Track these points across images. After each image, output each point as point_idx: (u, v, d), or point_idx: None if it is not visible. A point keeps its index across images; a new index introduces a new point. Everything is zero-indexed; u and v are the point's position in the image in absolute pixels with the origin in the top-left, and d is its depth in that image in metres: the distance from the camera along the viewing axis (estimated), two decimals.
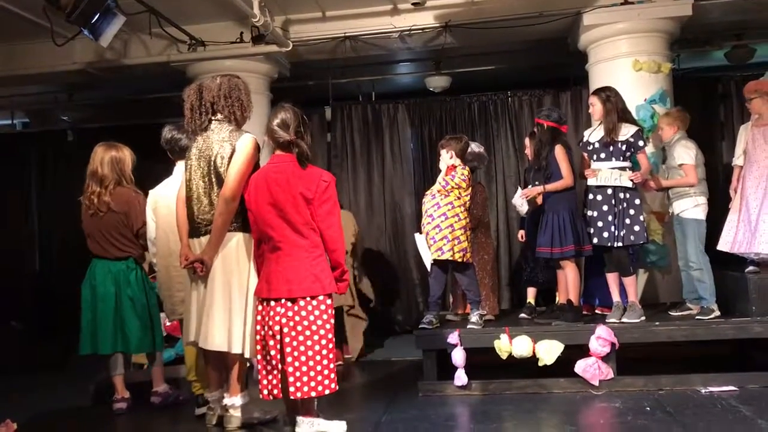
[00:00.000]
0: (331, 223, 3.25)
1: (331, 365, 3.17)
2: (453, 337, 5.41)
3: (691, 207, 5.65)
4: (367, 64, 8.26)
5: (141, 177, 4.51)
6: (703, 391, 5.13)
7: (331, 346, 3.19)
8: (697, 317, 5.43)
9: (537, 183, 5.63)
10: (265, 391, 3.21)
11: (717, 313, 5.44)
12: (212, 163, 3.38)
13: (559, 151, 5.55)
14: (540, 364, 5.29)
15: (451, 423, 4.76)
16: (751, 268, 5.62)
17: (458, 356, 5.38)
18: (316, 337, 3.14)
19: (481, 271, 6.12)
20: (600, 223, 5.42)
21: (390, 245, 8.52)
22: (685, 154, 5.67)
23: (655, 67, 6.68)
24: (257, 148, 3.41)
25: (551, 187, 5.50)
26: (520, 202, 5.75)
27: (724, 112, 8.19)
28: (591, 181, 5.49)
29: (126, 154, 4.28)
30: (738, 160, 5.75)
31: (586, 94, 7.30)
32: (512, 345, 5.35)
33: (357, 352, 6.92)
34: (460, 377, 5.38)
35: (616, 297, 5.55)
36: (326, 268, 3.24)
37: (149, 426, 3.72)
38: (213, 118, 3.47)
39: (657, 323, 5.41)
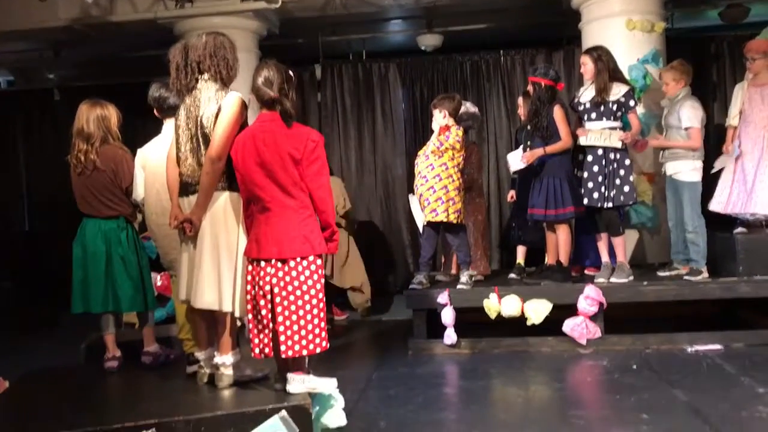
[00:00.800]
0: (321, 184, 3.23)
1: (322, 324, 3.19)
2: (443, 297, 5.45)
3: (689, 170, 5.50)
4: (358, 21, 8.13)
5: (129, 136, 4.46)
6: (689, 349, 5.22)
7: (321, 305, 3.20)
8: (685, 277, 5.47)
9: (530, 144, 5.58)
10: (257, 350, 3.23)
11: (706, 275, 5.46)
12: (199, 122, 3.34)
13: (557, 111, 5.47)
14: (528, 323, 5.35)
15: (440, 380, 4.83)
16: (739, 229, 5.65)
17: (448, 315, 5.42)
18: (306, 297, 3.15)
19: (476, 232, 6.13)
20: (590, 184, 5.41)
21: (381, 206, 8.51)
22: (693, 116, 5.46)
23: (648, 27, 6.61)
24: (244, 107, 3.36)
25: (551, 149, 5.42)
26: (515, 161, 5.69)
27: (717, 73, 8.15)
28: (581, 141, 5.45)
29: (112, 112, 4.21)
30: (733, 120, 5.67)
31: (579, 53, 7.21)
32: (501, 304, 5.40)
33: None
34: (450, 336, 5.43)
35: (605, 257, 5.58)
36: (316, 228, 3.23)
37: (140, 384, 3.75)
38: (200, 77, 3.42)
39: (645, 283, 5.46)
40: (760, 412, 3.75)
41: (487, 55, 8.40)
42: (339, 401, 3.44)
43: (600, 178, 5.39)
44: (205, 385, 3.44)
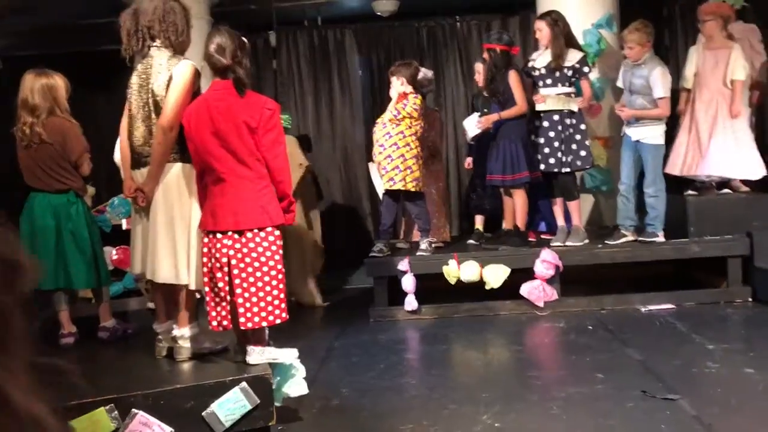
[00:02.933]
0: (277, 153, 3.17)
1: (281, 295, 3.17)
2: (403, 264, 5.48)
3: (656, 134, 5.41)
4: None
5: (78, 108, 4.33)
6: (642, 309, 5.36)
7: (281, 276, 3.17)
8: (639, 239, 5.57)
9: (487, 110, 5.60)
10: (215, 323, 3.20)
11: (662, 239, 5.51)
12: (150, 91, 3.26)
13: (513, 76, 5.47)
14: (487, 287, 5.42)
15: (401, 346, 4.88)
16: (689, 191, 5.77)
17: (408, 282, 5.46)
18: (265, 269, 3.12)
19: (439, 199, 6.16)
20: (547, 150, 5.46)
21: (340, 175, 8.47)
22: (663, 86, 5.30)
23: None
24: (196, 75, 3.28)
25: (506, 114, 5.45)
26: (471, 127, 5.71)
27: (669, 36, 8.24)
28: (540, 107, 5.48)
29: (59, 81, 4.05)
30: (687, 83, 5.70)
31: (534, 18, 7.22)
32: (460, 270, 5.45)
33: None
34: (411, 302, 5.48)
35: (560, 221, 5.66)
36: (273, 199, 3.18)
37: (97, 360, 3.70)
38: (152, 44, 3.32)
39: (600, 246, 5.57)
40: (710, 368, 3.88)
41: (443, 21, 8.35)
42: (300, 371, 3.44)
43: (556, 144, 5.43)
44: (163, 358, 3.41)
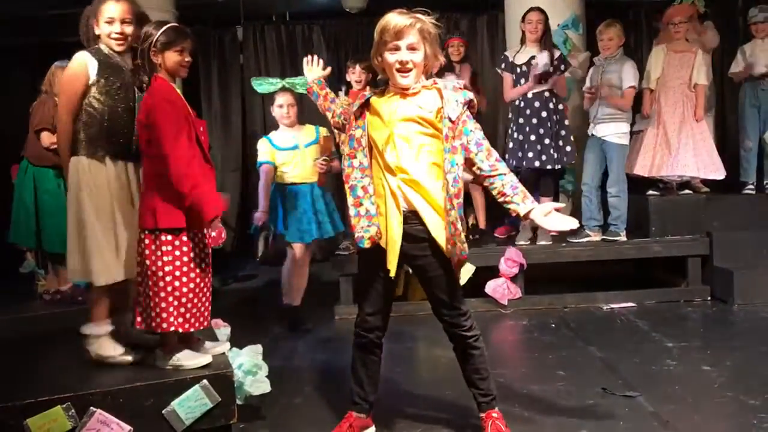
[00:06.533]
0: (171, 150, 2.91)
1: (184, 301, 2.98)
2: None
3: (621, 132, 5.51)
4: None
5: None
6: (604, 307, 5.43)
7: (185, 279, 2.99)
8: (603, 238, 5.63)
9: None
10: (138, 320, 3.12)
11: (623, 239, 5.60)
12: None
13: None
14: None
15: None
16: (651, 192, 5.86)
17: None
18: (160, 273, 2.95)
19: None
20: (539, 147, 5.42)
21: None
22: (634, 77, 5.46)
23: None
24: (82, 68, 3.12)
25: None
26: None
27: (635, 37, 8.36)
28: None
29: None
30: (651, 83, 5.76)
31: (501, 18, 7.28)
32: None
33: None
34: None
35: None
36: (170, 199, 2.95)
37: (54, 355, 3.61)
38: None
39: (564, 244, 5.63)
40: (668, 365, 3.95)
41: None
42: (263, 369, 3.42)
43: (547, 141, 5.42)
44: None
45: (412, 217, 2.86)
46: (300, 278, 5.23)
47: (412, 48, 2.81)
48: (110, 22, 3.14)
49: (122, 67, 3.18)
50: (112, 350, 3.19)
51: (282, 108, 5.10)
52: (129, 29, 3.16)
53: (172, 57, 3.05)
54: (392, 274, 2.91)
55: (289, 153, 5.10)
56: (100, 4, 3.16)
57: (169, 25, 3.08)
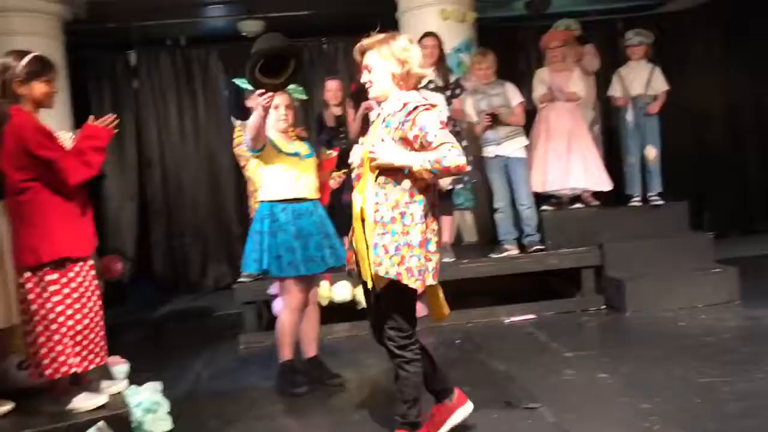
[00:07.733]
0: (55, 156, 2.85)
1: (79, 339, 2.87)
2: (273, 288, 5.40)
3: (521, 147, 5.74)
4: (174, 6, 7.79)
5: None
6: (506, 321, 5.59)
7: (79, 317, 2.87)
8: (529, 251, 5.78)
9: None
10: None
11: (516, 252, 5.80)
12: None
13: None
14: (359, 308, 5.44)
15: (273, 373, 4.78)
16: (545, 207, 6.11)
17: (279, 307, 5.38)
18: (51, 316, 2.81)
19: None
20: None
21: (207, 197, 8.27)
22: (517, 93, 5.74)
23: (460, 17, 6.91)
24: None
25: None
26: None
27: (525, 60, 8.72)
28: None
29: None
30: (538, 104, 6.08)
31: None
32: (332, 291, 5.46)
33: None
34: None
35: (446, 237, 5.77)
36: (50, 230, 2.82)
37: None
38: None
39: (465, 261, 5.76)
40: (567, 375, 4.10)
41: (311, 42, 8.39)
42: (164, 405, 3.31)
43: None
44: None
45: None
46: (310, 324, 4.40)
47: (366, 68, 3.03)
48: None
49: None
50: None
51: (277, 109, 4.07)
52: None
53: (39, 88, 2.94)
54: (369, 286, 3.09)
55: (292, 159, 4.06)
56: None
57: (33, 55, 2.94)
